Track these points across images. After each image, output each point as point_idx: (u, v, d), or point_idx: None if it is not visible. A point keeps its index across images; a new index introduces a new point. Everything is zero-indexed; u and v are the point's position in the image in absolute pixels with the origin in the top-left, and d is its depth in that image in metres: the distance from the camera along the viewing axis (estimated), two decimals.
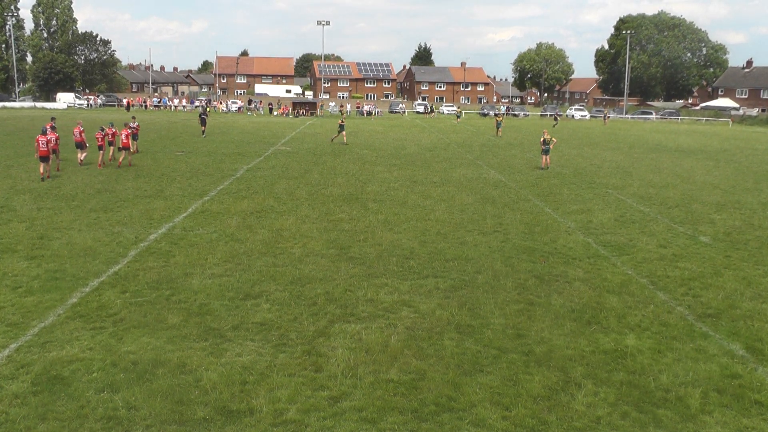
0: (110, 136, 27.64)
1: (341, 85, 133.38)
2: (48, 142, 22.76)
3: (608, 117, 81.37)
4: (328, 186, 22.81)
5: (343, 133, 40.07)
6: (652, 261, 13.77)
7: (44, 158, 22.71)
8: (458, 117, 76.19)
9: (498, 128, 51.26)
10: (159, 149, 32.97)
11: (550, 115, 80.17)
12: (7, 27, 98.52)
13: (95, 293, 10.84)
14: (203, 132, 42.01)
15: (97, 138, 26.75)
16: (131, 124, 30.16)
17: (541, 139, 29.39)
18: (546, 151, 29.32)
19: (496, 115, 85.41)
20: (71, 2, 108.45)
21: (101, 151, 26.76)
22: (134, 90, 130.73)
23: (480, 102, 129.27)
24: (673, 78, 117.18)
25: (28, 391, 7.48)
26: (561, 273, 12.67)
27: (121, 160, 26.61)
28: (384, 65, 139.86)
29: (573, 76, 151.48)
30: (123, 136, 26.82)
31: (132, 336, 9.12)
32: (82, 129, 27.25)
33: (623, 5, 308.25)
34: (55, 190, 20.67)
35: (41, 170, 22.56)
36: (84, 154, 26.95)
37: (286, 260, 13.07)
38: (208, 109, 70.48)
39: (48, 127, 24.04)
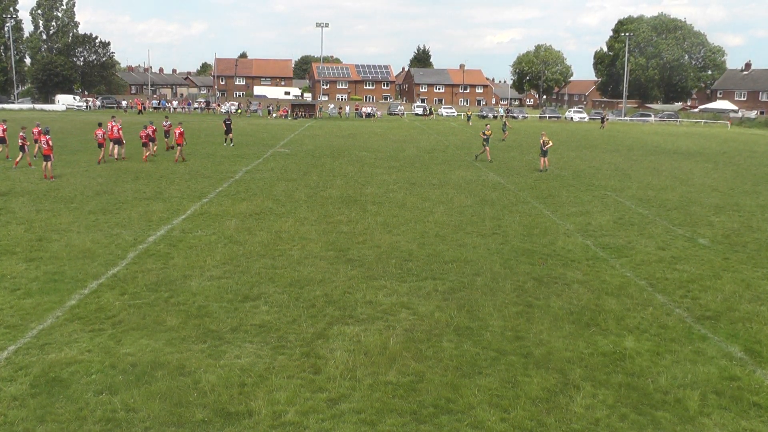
0: (152, 133, 30.67)
1: (340, 86, 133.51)
2: (48, 140, 23.56)
3: (607, 119, 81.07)
4: (327, 188, 22.81)
5: (488, 148, 33.27)
6: (650, 263, 13.78)
7: (47, 157, 23.46)
8: (469, 119, 74.19)
9: (504, 131, 49.72)
10: (158, 151, 32.93)
11: (599, 118, 78.76)
12: (6, 28, 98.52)
13: (94, 295, 10.83)
14: (229, 140, 37.98)
15: (141, 136, 30.03)
16: (164, 123, 34.72)
17: (541, 141, 29.44)
18: (544, 153, 29.36)
19: (504, 116, 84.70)
20: (74, 4, 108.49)
21: (144, 147, 29.84)
22: (133, 92, 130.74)
23: (479, 104, 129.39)
24: (672, 80, 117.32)
25: (26, 393, 7.48)
26: (560, 275, 12.67)
27: (177, 155, 29.78)
28: (383, 67, 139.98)
29: (572, 78, 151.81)
30: (177, 134, 30.09)
31: (131, 338, 9.11)
32: (120, 127, 30.10)
33: (622, 8, 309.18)
34: (53, 192, 20.68)
35: (43, 168, 23.65)
36: (122, 149, 30.07)
37: (284, 262, 13.07)
38: (238, 111, 68.31)
39: (110, 123, 29.74)
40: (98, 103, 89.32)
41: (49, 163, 23.36)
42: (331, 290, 11.39)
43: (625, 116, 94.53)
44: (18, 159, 26.87)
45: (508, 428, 7.02)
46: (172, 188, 21.96)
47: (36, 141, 29.09)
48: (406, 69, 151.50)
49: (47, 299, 10.58)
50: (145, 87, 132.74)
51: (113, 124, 29.84)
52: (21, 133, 27.55)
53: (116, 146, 29.77)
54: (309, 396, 7.57)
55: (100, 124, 29.06)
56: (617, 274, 12.86)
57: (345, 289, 11.49)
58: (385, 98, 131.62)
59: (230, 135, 38.14)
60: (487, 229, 16.64)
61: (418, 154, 35.97)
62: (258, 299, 10.85)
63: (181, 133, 30.02)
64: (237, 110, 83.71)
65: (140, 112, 76.22)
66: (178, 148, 29.87)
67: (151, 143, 30.44)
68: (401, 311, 10.45)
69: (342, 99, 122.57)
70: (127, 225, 16.14)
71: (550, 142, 30.11)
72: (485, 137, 33.02)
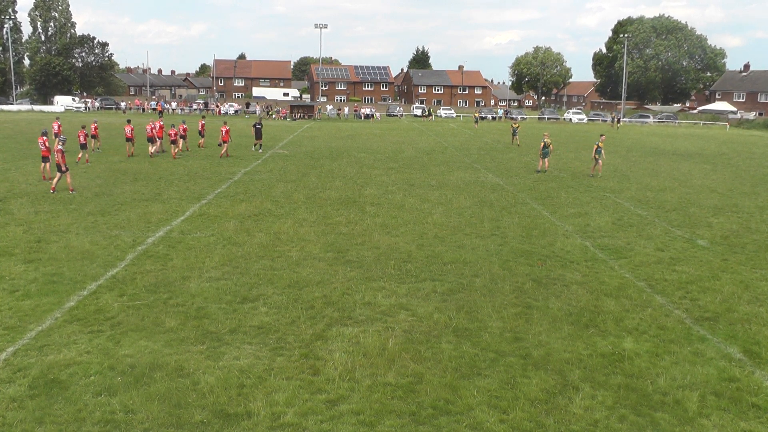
0: (182, 131, 33.43)
1: (339, 88, 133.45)
2: (45, 142, 23.74)
3: (618, 120, 80.00)
4: (326, 189, 22.82)
5: (600, 162, 28.25)
6: (649, 264, 13.79)
7: (45, 159, 23.63)
8: (476, 122, 72.20)
9: (514, 136, 46.00)
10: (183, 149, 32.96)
11: (612, 120, 78.76)
12: (5, 30, 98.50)
13: (93, 297, 10.83)
14: (259, 146, 36.07)
15: (171, 134, 31.82)
16: (200, 122, 38.13)
17: (542, 143, 29.47)
18: (545, 155, 29.36)
19: (505, 118, 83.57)
20: (68, 5, 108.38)
21: (173, 145, 31.64)
22: (132, 93, 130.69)
23: (477, 105, 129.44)
24: (671, 82, 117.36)
25: (25, 395, 7.47)
26: (558, 276, 12.68)
27: (223, 151, 32.31)
28: (382, 68, 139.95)
29: (571, 80, 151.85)
30: (223, 132, 32.40)
31: (129, 339, 9.11)
32: (153, 126, 32.29)
33: (620, 9, 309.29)
34: (52, 193, 20.65)
35: (41, 170, 23.85)
36: (154, 147, 31.91)
37: (283, 263, 13.07)
38: (270, 114, 64.55)
39: (150, 126, 32.33)
40: (97, 104, 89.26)
41: (47, 165, 23.39)
42: (330, 291, 11.39)
43: (624, 117, 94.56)
44: (80, 156, 28.85)
45: (507, 429, 7.02)
46: (171, 189, 21.96)
47: (94, 137, 32.98)
48: (405, 70, 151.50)
49: (46, 300, 10.57)
50: (143, 88, 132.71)
51: (152, 125, 32.30)
52: (82, 130, 29.41)
53: (150, 144, 31.90)
54: (308, 397, 7.57)
55: (129, 121, 32.48)
56: (616, 276, 12.87)
57: (344, 290, 11.49)
58: (384, 99, 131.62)
59: (260, 141, 36.11)
60: (486, 231, 16.64)
61: (417, 156, 35.98)
62: (257, 300, 10.84)
63: (227, 131, 32.34)
64: (269, 113, 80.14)
65: (160, 113, 75.65)
66: (225, 145, 32.34)
67: (183, 140, 33.36)
68: (400, 312, 10.46)
69: (341, 100, 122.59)
70: (125, 226, 16.14)
71: (551, 144, 30.05)
72: (598, 148, 28.08)
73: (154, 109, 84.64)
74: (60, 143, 21.05)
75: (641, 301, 11.32)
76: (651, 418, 7.34)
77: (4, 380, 7.82)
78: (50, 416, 7.02)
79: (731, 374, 8.48)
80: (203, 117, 40.62)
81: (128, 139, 31.62)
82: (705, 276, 12.99)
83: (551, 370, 8.44)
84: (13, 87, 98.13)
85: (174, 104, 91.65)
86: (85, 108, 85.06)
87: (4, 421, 6.92)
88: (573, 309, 10.80)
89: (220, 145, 33.83)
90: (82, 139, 28.80)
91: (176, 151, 31.55)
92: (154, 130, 32.02)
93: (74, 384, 7.75)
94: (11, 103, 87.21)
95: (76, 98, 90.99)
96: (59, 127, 32.57)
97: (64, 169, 20.76)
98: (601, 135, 29.54)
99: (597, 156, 28.14)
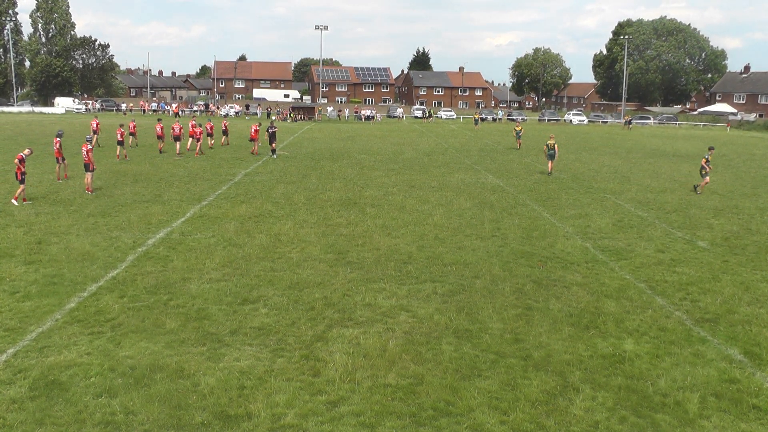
0: (209, 129, 36.40)
1: (339, 89, 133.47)
2: (59, 143, 24.07)
3: (628, 122, 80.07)
4: (326, 191, 22.82)
5: (708, 179, 24.83)
6: (650, 266, 13.79)
7: (58, 160, 23.93)
8: (477, 123, 71.23)
9: (518, 139, 44.31)
10: (156, 153, 33.03)
11: (625, 122, 79.22)
12: (5, 31, 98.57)
13: (93, 298, 10.83)
14: (273, 151, 33.83)
15: (195, 132, 34.23)
16: (224, 122, 41.07)
17: (545, 145, 29.46)
18: (551, 156, 29.33)
19: (513, 120, 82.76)
20: (68, 6, 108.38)
21: (198, 142, 34.11)
22: (132, 95, 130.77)
23: (478, 106, 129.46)
24: (672, 83, 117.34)
25: (25, 396, 7.47)
26: (559, 278, 12.68)
27: (254, 149, 35.07)
28: (382, 70, 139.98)
29: (571, 81, 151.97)
30: (252, 131, 35.07)
31: (130, 341, 9.11)
32: (181, 126, 34.36)
33: (620, 10, 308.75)
34: (53, 194, 20.67)
35: (57, 171, 24.15)
36: (177, 146, 33.56)
37: (284, 265, 13.07)
38: (275, 118, 61.82)
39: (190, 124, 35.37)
40: (97, 105, 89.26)
41: (62, 166, 23.95)
42: (331, 293, 11.40)
43: (624, 119, 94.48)
44: (118, 152, 30.90)
45: (508, 431, 7.02)
46: (171, 191, 21.96)
47: (132, 134, 35.88)
48: (406, 71, 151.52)
49: (46, 302, 10.58)
50: (144, 90, 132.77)
51: (179, 125, 34.33)
52: (120, 128, 31.24)
53: (177, 143, 33.44)
54: (308, 398, 7.57)
55: (159, 120, 35.29)
56: (616, 277, 12.86)
57: (344, 291, 11.49)
58: (385, 101, 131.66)
59: (273, 145, 33.60)
60: (487, 232, 16.64)
61: (417, 157, 35.98)
62: (257, 302, 10.85)
63: (256, 130, 34.90)
64: (289, 117, 76.51)
65: (176, 114, 75.33)
66: (255, 143, 35.12)
67: (210, 138, 36.38)
68: (400, 314, 10.46)
69: (341, 101, 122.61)
70: (126, 228, 16.14)
71: (556, 146, 29.89)
72: (707, 161, 24.88)
73: (154, 111, 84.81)
74: (88, 142, 21.40)
75: (642, 303, 11.32)
76: (651, 419, 7.34)
77: (4, 381, 7.82)
78: (50, 418, 7.02)
79: (732, 376, 8.48)
80: (225, 116, 43.90)
81: (159, 137, 34.15)
82: (705, 277, 12.99)
83: (552, 372, 8.44)
84: (14, 88, 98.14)
85: (174, 105, 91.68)
86: (86, 110, 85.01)
87: (4, 422, 6.92)
88: (573, 310, 10.80)
89: (228, 144, 38.13)
90: (119, 136, 30.76)
91: (212, 144, 34.62)
92: (182, 130, 33.67)
93: (74, 385, 7.75)
94: (12, 105, 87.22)
95: (77, 100, 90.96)
96: (98, 125, 36.33)
97: (92, 168, 21.14)
98: (710, 148, 25.89)
99: (704, 171, 24.58)
